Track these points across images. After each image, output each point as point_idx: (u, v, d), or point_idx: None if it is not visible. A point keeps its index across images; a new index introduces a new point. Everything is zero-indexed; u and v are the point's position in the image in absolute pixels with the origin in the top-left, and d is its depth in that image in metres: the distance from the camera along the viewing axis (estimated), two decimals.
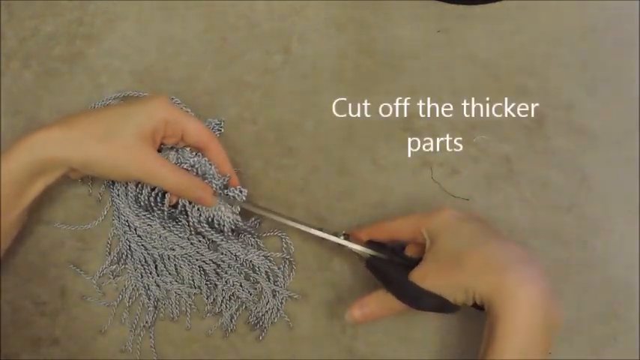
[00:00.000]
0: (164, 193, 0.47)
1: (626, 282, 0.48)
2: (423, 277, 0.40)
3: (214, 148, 0.47)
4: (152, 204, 0.47)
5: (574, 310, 0.47)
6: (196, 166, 0.47)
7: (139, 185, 0.48)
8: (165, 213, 0.47)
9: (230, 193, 0.47)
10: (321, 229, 0.46)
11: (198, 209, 0.47)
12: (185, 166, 0.47)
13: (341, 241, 0.45)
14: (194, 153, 0.48)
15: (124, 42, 0.59)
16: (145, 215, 0.48)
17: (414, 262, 0.43)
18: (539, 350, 0.36)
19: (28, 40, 0.59)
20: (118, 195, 0.48)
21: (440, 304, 0.39)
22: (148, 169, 0.43)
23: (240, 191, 0.47)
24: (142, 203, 0.48)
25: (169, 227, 0.48)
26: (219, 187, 0.47)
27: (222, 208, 0.47)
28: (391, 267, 0.43)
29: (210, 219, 0.47)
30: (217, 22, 0.60)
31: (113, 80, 0.56)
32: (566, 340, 0.46)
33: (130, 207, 0.48)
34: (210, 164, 0.47)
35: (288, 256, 0.49)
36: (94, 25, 0.59)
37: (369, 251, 0.45)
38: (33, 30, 0.59)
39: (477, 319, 0.46)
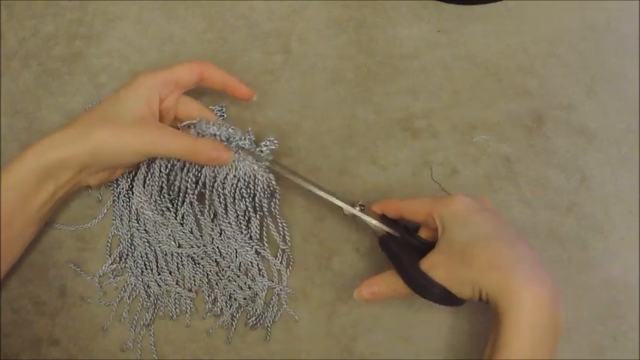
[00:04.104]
0: (196, 182, 0.47)
1: (626, 282, 0.48)
2: (433, 266, 0.40)
3: (211, 72, 0.48)
4: (185, 186, 0.47)
5: (574, 310, 0.47)
6: (217, 133, 0.47)
7: (168, 167, 0.48)
8: (195, 195, 0.47)
9: (263, 148, 0.47)
10: (337, 197, 0.46)
11: (233, 176, 0.47)
12: (207, 138, 0.47)
13: (357, 212, 0.46)
14: (211, 123, 0.47)
15: (124, 42, 0.59)
16: (166, 207, 0.47)
17: (427, 245, 0.43)
18: (544, 351, 0.36)
19: (28, 40, 0.59)
20: (136, 184, 0.48)
21: (446, 297, 0.40)
22: (152, 140, 0.43)
23: (269, 141, 0.48)
24: (173, 189, 0.47)
25: (188, 215, 0.47)
26: (249, 145, 0.47)
27: (255, 167, 0.47)
28: (404, 249, 0.43)
29: (246, 183, 0.47)
30: (217, 22, 0.60)
31: (113, 80, 0.56)
32: (566, 340, 0.46)
33: (144, 196, 0.47)
34: (232, 129, 0.47)
35: (285, 247, 0.48)
36: (94, 25, 0.60)
37: (383, 227, 0.45)
38: (33, 30, 0.59)
39: (477, 319, 0.46)
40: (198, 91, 0.52)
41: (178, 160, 0.48)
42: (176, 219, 0.48)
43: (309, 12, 0.60)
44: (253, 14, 0.60)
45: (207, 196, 0.47)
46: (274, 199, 0.48)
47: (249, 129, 0.49)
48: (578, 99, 0.56)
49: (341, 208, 0.47)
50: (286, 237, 0.49)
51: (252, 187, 0.47)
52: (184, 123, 0.48)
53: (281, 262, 0.48)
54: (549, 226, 0.50)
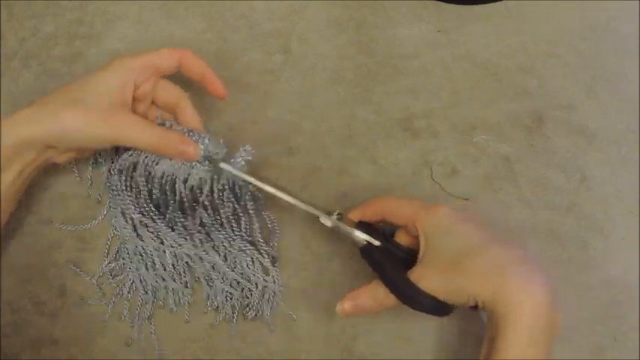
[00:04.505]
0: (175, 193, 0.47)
1: (626, 282, 0.48)
2: (421, 277, 0.39)
3: (190, 60, 0.47)
4: (167, 192, 0.47)
5: (574, 310, 0.47)
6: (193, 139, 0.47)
7: (145, 174, 0.47)
8: (178, 201, 0.47)
9: (237, 159, 0.47)
10: (313, 206, 0.45)
11: (216, 188, 0.46)
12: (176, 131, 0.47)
13: (335, 221, 0.44)
14: (185, 129, 0.47)
15: (124, 42, 0.59)
16: (152, 212, 0.47)
17: (407, 252, 0.42)
18: (542, 351, 0.36)
19: (28, 40, 0.59)
20: (121, 188, 0.47)
21: (435, 306, 0.39)
22: (120, 130, 0.43)
23: (244, 151, 0.47)
24: (154, 197, 0.47)
25: (175, 221, 0.47)
26: (223, 157, 0.47)
27: (232, 180, 0.47)
28: (387, 259, 0.42)
29: (227, 193, 0.47)
30: (217, 22, 0.60)
31: None
32: (566, 340, 0.46)
33: (130, 200, 0.47)
34: (208, 139, 0.47)
35: (274, 245, 0.48)
36: (94, 25, 0.60)
37: (361, 235, 0.43)
38: (33, 30, 0.59)
39: (476, 319, 0.46)
40: (199, 92, 0.52)
41: (153, 167, 0.47)
42: (165, 218, 0.47)
43: (309, 12, 0.61)
44: (253, 14, 0.60)
45: (188, 209, 0.47)
46: (259, 202, 0.48)
47: (221, 140, 0.48)
48: (578, 99, 0.56)
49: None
50: (276, 232, 0.48)
51: (236, 194, 0.47)
52: (159, 122, 0.48)
53: (271, 260, 0.48)
54: (549, 226, 0.50)
